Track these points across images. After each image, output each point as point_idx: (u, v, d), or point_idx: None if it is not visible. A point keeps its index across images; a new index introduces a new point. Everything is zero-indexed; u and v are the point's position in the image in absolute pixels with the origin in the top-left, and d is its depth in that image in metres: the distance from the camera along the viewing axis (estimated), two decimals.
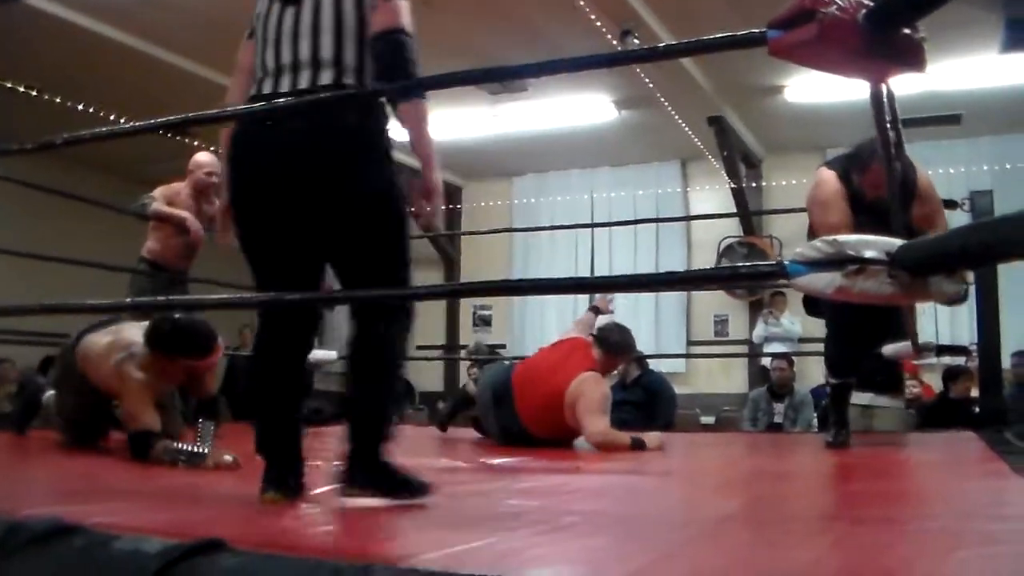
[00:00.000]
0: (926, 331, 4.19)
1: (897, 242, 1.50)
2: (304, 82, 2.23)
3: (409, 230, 2.34)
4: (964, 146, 9.08)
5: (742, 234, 9.96)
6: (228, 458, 3.05)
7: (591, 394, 4.15)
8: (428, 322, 11.33)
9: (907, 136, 3.72)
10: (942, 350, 4.26)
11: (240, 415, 4.83)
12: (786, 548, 1.72)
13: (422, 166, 2.29)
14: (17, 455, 3.77)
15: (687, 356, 10.10)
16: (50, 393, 3.97)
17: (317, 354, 6.26)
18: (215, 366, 3.74)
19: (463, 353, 9.60)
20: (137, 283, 4.93)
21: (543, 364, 4.47)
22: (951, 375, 6.80)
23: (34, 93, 7.52)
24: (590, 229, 10.50)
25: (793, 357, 7.76)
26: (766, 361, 8.34)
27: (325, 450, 2.62)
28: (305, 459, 2.35)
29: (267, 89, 2.27)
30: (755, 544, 1.81)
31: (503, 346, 10.67)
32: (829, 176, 3.90)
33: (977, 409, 5.18)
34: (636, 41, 6.51)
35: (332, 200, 2.20)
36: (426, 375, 11.06)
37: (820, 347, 8.46)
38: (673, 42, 3.78)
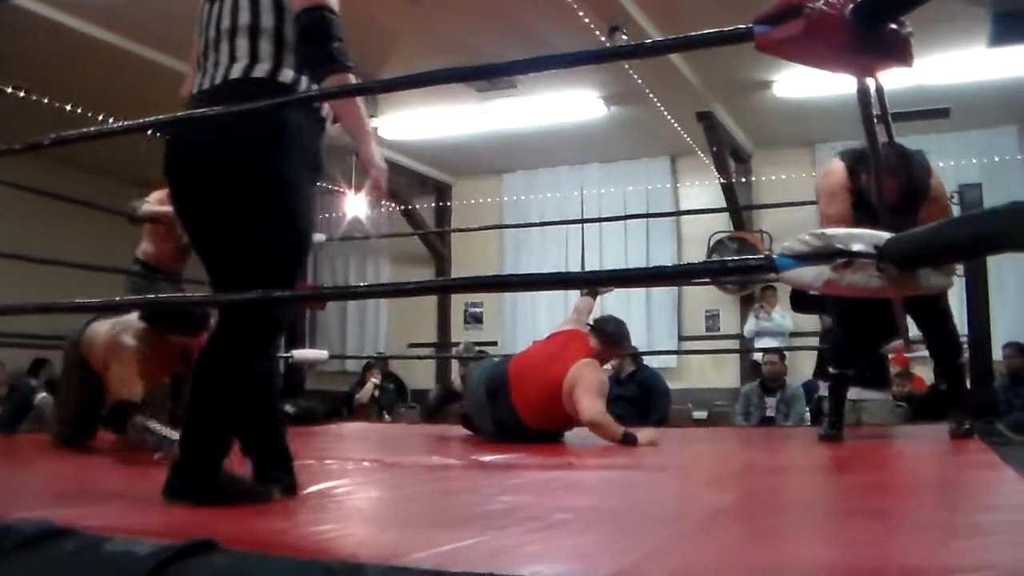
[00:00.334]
0: (917, 324, 4.22)
1: (885, 235, 1.50)
2: (219, 78, 2.24)
3: (295, 229, 2.24)
4: (953, 140, 9.09)
5: (732, 229, 9.96)
6: None
7: (590, 377, 4.21)
8: (419, 320, 11.35)
9: (896, 130, 3.75)
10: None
11: None
12: (779, 542, 1.72)
13: (357, 142, 2.25)
14: (6, 457, 3.76)
15: (679, 352, 10.11)
16: (41, 396, 3.98)
17: (308, 353, 6.30)
18: None
19: (454, 352, 9.61)
20: (132, 284, 4.93)
21: (539, 355, 4.50)
22: (937, 369, 6.80)
23: (22, 94, 7.49)
24: (580, 225, 10.50)
25: (784, 351, 7.79)
26: (758, 356, 8.36)
27: (318, 449, 2.62)
28: (293, 456, 2.34)
29: (195, 88, 2.32)
30: (748, 538, 1.81)
31: (494, 343, 10.67)
32: (838, 168, 3.91)
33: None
34: (624, 37, 6.50)
35: (211, 191, 2.21)
36: (418, 373, 11.08)
37: (811, 341, 8.53)
38: (661, 38, 3.78)
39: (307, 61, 2.19)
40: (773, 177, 9.71)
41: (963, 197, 4.73)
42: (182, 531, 1.55)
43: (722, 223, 9.95)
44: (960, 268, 4.30)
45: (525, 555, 1.58)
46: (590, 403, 4.12)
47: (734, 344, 9.86)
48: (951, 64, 7.32)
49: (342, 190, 9.85)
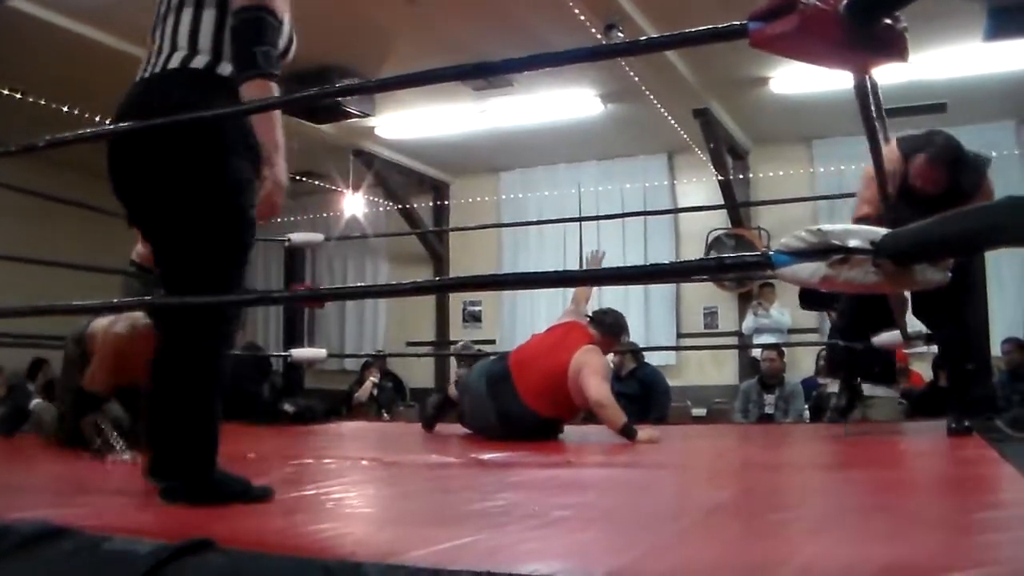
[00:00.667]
0: (915, 319, 4.21)
1: (881, 231, 1.50)
2: (159, 67, 2.24)
3: (234, 232, 2.19)
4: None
5: (730, 226, 9.96)
6: None
7: (595, 362, 4.30)
8: (418, 319, 11.36)
9: (893, 126, 3.74)
10: (931, 338, 4.28)
11: (229, 415, 4.83)
12: (778, 539, 1.72)
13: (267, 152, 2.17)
14: (4, 457, 3.76)
15: (677, 348, 10.11)
16: (36, 401, 3.97)
17: (306, 352, 6.30)
18: None
19: (452, 350, 9.62)
20: (128, 286, 4.93)
21: (541, 345, 4.56)
22: (941, 363, 6.81)
23: (19, 96, 7.48)
24: (578, 223, 10.49)
25: (783, 348, 7.79)
26: (756, 352, 8.36)
27: (317, 448, 2.61)
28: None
29: (140, 72, 2.32)
30: (747, 535, 1.81)
31: (493, 342, 10.67)
32: (892, 154, 3.84)
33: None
34: (621, 35, 6.50)
35: (152, 184, 2.19)
36: (417, 372, 11.08)
37: (810, 337, 8.52)
38: (656, 35, 3.77)
39: (233, 60, 2.17)
40: (771, 174, 9.72)
41: None
42: (180, 531, 1.55)
43: (720, 220, 9.95)
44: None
45: (523, 553, 1.57)
46: (597, 385, 4.19)
47: (733, 341, 9.87)
48: (947, 59, 7.32)
49: (340, 190, 9.86)
